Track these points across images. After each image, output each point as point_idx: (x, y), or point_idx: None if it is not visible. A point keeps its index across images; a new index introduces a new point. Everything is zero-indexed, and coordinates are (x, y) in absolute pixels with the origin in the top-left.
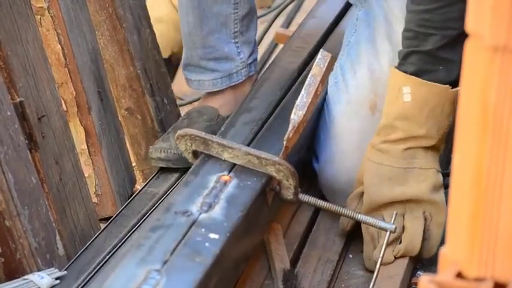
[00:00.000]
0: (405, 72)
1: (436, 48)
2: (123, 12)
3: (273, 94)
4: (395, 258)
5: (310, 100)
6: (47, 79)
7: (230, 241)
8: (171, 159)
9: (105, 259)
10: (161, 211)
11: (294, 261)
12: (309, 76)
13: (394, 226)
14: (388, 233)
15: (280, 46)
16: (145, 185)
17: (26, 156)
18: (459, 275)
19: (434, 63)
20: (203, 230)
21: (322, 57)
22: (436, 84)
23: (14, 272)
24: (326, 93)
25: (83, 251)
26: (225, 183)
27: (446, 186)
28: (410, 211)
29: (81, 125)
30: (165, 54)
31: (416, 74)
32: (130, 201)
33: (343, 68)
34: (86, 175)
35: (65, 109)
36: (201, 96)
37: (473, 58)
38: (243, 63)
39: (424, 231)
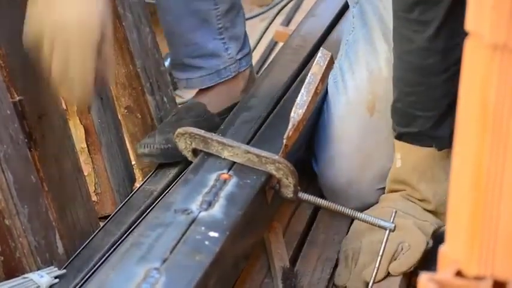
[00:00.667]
0: (399, 139)
1: (424, 129)
2: (123, 11)
3: (273, 92)
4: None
5: (310, 98)
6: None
7: (230, 239)
8: (154, 154)
9: (104, 257)
10: (161, 209)
11: (294, 260)
12: (309, 74)
13: (393, 225)
14: (387, 231)
15: (280, 44)
16: (144, 182)
17: (25, 154)
18: (459, 274)
19: (425, 140)
20: (203, 228)
21: (322, 56)
22: (424, 148)
23: (14, 270)
24: (326, 93)
25: (82, 249)
26: (225, 182)
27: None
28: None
29: (81, 123)
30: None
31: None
32: (129, 199)
33: (342, 69)
34: (86, 174)
35: (65, 108)
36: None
37: (473, 57)
38: (232, 59)
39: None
